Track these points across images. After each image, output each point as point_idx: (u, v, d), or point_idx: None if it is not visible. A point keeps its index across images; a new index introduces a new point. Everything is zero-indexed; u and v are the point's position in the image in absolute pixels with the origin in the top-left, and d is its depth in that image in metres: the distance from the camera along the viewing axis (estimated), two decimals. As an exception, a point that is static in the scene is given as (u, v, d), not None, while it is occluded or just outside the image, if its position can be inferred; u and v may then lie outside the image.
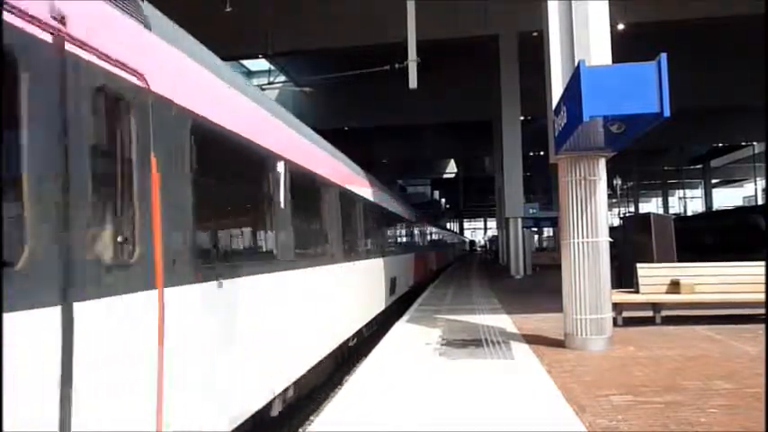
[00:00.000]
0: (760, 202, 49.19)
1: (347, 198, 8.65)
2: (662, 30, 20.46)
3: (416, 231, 20.71)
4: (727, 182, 66.76)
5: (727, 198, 65.83)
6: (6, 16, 2.11)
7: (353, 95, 30.69)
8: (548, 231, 52.80)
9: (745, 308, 8.96)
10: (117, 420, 2.69)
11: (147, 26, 3.33)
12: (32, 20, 2.27)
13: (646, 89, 5.60)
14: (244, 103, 4.85)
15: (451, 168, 58.61)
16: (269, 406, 4.95)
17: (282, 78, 28.72)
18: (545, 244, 53.30)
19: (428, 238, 25.70)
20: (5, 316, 2.01)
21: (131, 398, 2.80)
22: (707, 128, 39.18)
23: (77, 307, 2.43)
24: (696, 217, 41.71)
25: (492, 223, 77.55)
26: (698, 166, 56.18)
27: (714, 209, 51.39)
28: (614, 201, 51.34)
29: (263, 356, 4.69)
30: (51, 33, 2.38)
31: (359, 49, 22.37)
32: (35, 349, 2.22)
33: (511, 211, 23.42)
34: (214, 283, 3.74)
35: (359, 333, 9.37)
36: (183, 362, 3.30)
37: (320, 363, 6.63)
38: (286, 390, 5.35)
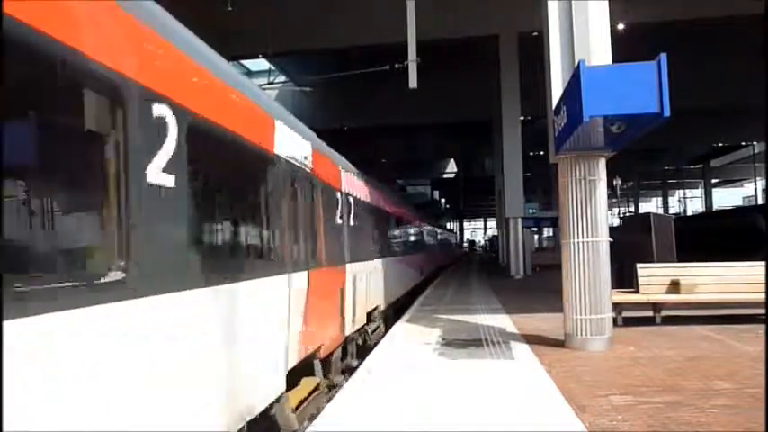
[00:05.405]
0: (760, 202, 49.18)
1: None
2: (662, 30, 20.48)
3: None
4: (726, 182, 66.76)
5: (727, 198, 65.89)
6: None
7: (353, 95, 30.66)
8: (548, 231, 52.90)
9: (745, 308, 8.96)
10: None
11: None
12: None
13: (645, 89, 5.60)
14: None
15: (451, 168, 58.60)
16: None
17: (282, 78, 28.71)
18: (545, 244, 53.34)
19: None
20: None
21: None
22: (707, 128, 39.17)
23: (356, 264, 8.49)
24: (696, 217, 41.71)
25: (492, 223, 77.59)
26: (698, 166, 56.17)
27: (714, 209, 51.41)
28: (614, 201, 51.34)
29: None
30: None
31: (358, 49, 22.37)
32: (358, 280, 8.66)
33: (511, 211, 23.42)
34: (382, 259, 11.28)
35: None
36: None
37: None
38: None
